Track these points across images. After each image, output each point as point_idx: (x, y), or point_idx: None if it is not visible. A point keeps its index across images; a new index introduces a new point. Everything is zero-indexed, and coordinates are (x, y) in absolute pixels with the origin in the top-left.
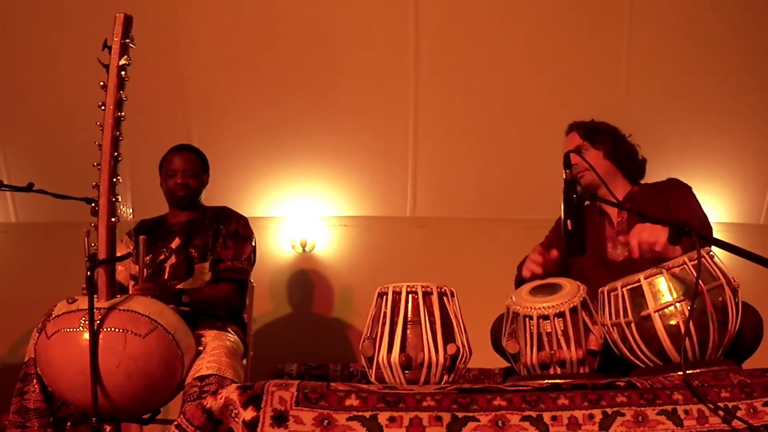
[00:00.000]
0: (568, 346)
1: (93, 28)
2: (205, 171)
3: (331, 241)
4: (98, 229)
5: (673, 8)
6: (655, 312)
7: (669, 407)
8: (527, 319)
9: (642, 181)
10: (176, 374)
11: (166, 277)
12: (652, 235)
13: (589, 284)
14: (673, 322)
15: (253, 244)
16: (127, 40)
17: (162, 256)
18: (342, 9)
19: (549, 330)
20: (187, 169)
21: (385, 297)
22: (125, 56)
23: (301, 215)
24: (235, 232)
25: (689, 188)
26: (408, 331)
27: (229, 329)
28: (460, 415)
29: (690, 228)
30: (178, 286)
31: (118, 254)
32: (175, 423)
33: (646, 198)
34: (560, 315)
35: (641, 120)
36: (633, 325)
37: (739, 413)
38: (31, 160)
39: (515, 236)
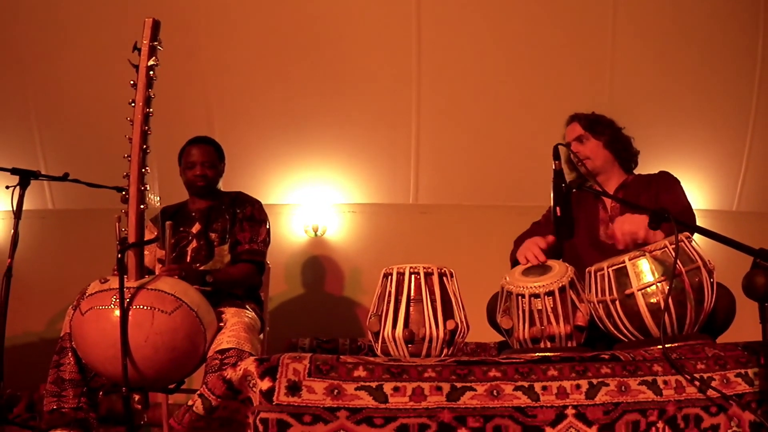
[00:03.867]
0: (557, 322)
1: (125, 30)
2: (222, 161)
3: (341, 226)
4: (128, 215)
5: (656, 4)
6: (638, 291)
7: (649, 378)
8: (520, 297)
9: (636, 172)
10: (199, 348)
11: (188, 260)
12: (633, 225)
13: (582, 264)
14: (654, 300)
15: (268, 226)
16: (155, 43)
17: (184, 241)
18: (349, 11)
19: (540, 307)
20: (205, 161)
21: (390, 277)
22: (153, 57)
23: (313, 202)
24: (250, 216)
25: (677, 181)
26: (411, 309)
27: (248, 306)
28: (459, 385)
29: (668, 214)
30: (200, 268)
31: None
32: (198, 392)
33: (639, 188)
34: (550, 294)
35: (624, 111)
36: (617, 302)
37: (713, 383)
38: (66, 152)
39: (510, 222)
